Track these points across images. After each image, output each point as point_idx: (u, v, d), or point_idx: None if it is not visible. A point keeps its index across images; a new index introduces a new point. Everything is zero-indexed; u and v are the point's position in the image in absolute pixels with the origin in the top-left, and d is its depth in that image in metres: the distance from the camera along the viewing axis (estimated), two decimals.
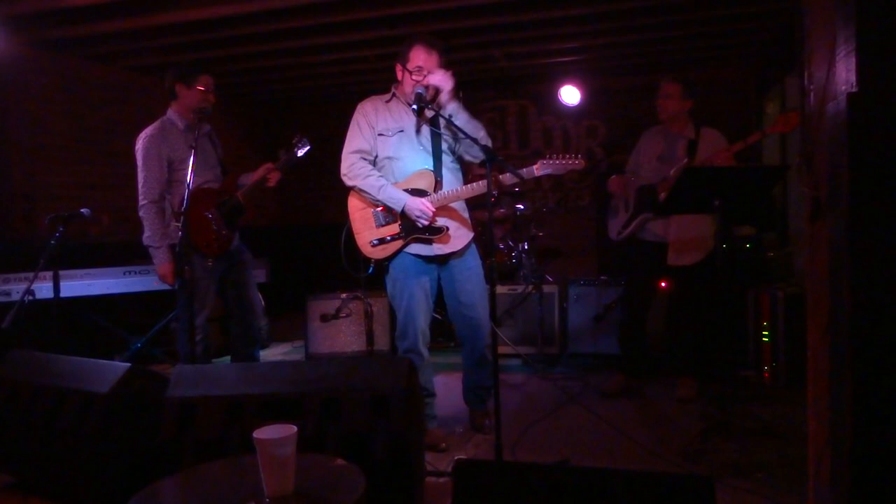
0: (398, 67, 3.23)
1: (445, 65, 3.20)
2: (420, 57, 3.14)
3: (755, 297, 4.24)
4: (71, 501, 2.48)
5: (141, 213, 3.54)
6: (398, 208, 3.17)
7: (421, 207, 3.13)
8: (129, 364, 2.47)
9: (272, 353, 5.64)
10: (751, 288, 4.31)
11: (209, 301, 3.67)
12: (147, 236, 3.54)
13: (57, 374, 2.64)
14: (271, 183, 3.77)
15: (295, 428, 1.60)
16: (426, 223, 3.16)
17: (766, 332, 4.13)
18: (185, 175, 3.20)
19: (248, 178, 3.77)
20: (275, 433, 1.58)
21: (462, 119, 3.17)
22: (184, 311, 3.42)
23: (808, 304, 1.90)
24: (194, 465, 1.84)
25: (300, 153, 3.68)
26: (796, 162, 1.86)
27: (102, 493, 2.32)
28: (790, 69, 5.23)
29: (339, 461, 1.76)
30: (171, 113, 3.64)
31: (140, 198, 3.51)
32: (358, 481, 1.62)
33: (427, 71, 3.13)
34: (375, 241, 3.26)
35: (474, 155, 3.28)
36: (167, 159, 3.52)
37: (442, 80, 3.12)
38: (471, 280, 3.33)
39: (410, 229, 3.21)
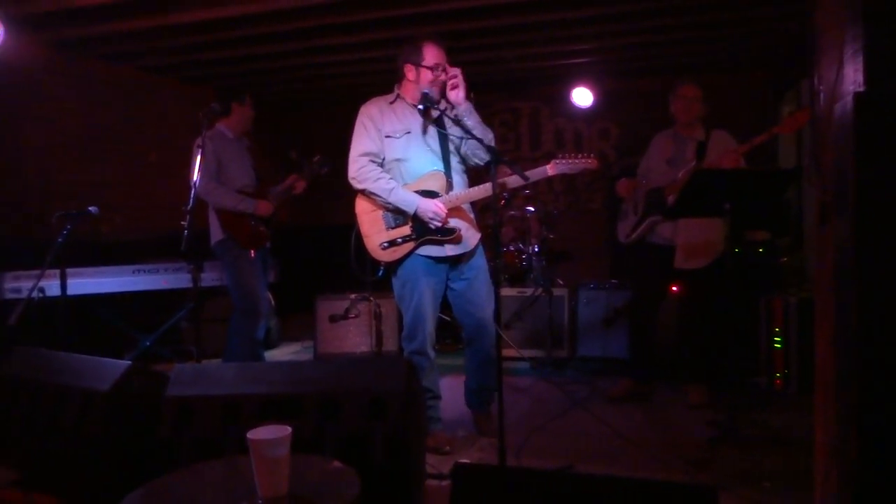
0: (409, 67, 3.21)
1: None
2: (436, 53, 3.16)
3: (767, 302, 4.18)
4: (72, 498, 2.48)
5: (212, 200, 3.89)
6: (410, 211, 3.14)
7: (434, 209, 3.11)
8: (128, 362, 2.47)
9: (281, 353, 5.66)
10: (763, 294, 4.25)
11: (264, 289, 4.16)
12: (231, 206, 3.90)
13: (60, 371, 2.64)
14: (297, 190, 4.23)
15: (289, 429, 1.58)
16: (439, 225, 3.14)
17: (778, 339, 4.07)
18: (229, 177, 3.92)
19: (277, 188, 4.20)
20: (269, 434, 1.56)
21: (473, 120, 3.15)
22: (240, 315, 3.99)
23: (816, 312, 1.86)
24: (190, 464, 1.83)
25: (322, 172, 4.20)
26: (806, 164, 1.82)
27: (101, 490, 2.32)
28: (806, 72, 5.15)
29: (335, 463, 1.73)
30: (221, 127, 4.08)
31: (201, 189, 3.57)
32: (353, 484, 1.60)
33: (443, 67, 3.14)
34: (386, 244, 3.22)
35: (479, 157, 3.25)
36: (217, 159, 3.94)
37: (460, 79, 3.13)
38: (479, 279, 3.30)
39: (422, 231, 3.17)
